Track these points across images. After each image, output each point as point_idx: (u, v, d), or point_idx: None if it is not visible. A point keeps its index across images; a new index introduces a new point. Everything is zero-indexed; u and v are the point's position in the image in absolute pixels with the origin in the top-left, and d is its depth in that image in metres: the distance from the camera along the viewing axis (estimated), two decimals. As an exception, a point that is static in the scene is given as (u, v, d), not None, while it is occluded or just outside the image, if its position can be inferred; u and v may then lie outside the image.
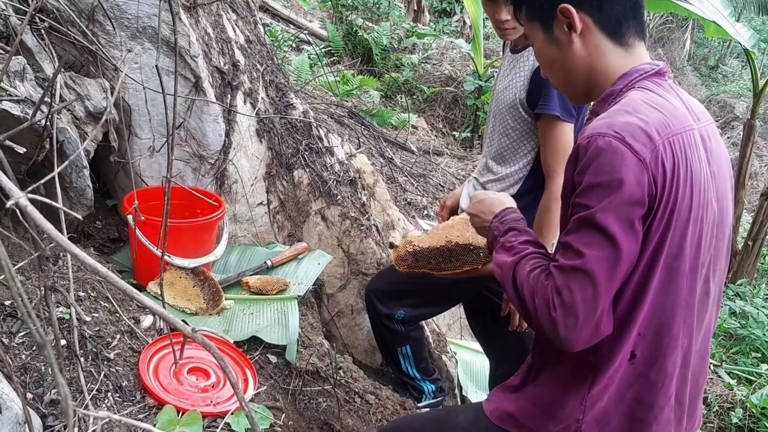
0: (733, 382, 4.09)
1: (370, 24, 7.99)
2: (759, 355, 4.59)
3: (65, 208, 0.72)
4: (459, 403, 3.13)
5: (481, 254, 1.70)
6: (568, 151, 2.15)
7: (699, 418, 1.50)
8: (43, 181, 0.95)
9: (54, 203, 0.74)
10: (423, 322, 2.85)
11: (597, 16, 1.36)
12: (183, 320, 2.37)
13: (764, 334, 4.69)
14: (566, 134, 2.19)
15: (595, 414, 1.34)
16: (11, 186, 0.70)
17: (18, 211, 0.70)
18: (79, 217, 0.86)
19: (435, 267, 1.73)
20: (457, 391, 3.16)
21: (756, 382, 4.09)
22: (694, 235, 1.27)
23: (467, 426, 1.54)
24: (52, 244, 1.80)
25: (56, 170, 1.00)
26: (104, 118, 1.94)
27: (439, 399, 2.88)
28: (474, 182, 2.51)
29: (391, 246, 1.86)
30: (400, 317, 2.60)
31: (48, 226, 0.68)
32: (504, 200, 1.58)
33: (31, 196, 0.71)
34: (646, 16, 1.45)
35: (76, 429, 1.56)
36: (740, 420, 3.70)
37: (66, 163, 1.37)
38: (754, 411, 3.71)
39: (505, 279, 1.38)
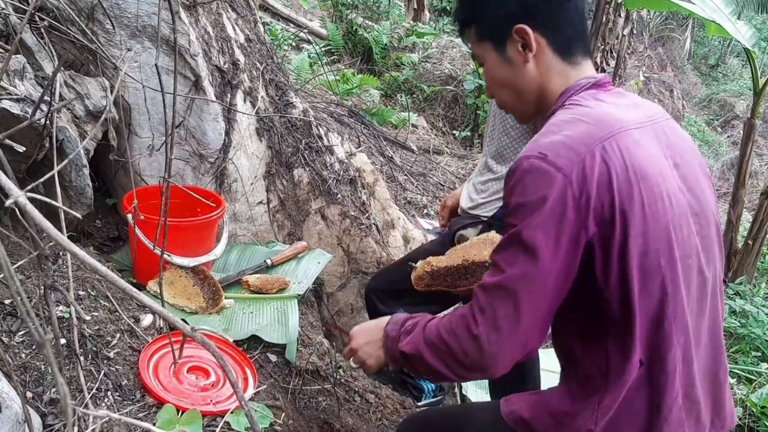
0: (733, 381, 4.09)
1: (370, 23, 7.99)
2: (759, 354, 4.59)
3: (65, 207, 0.72)
4: (459, 401, 3.13)
5: None
6: None
7: (731, 416, 1.47)
8: (42, 179, 0.95)
9: (53, 202, 0.74)
10: None
11: (551, 37, 1.41)
12: (183, 319, 2.37)
13: (764, 333, 4.69)
14: None
15: (606, 423, 1.34)
16: (10, 185, 0.70)
17: (17, 210, 0.70)
18: (79, 215, 0.86)
19: (451, 284, 1.77)
20: (456, 389, 3.16)
21: (756, 381, 4.08)
22: (659, 229, 1.27)
23: (484, 426, 1.55)
24: (51, 243, 1.80)
25: (56, 168, 1.00)
26: (104, 116, 1.94)
27: (439, 398, 2.88)
28: (474, 181, 2.51)
29: (411, 267, 1.91)
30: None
31: (47, 224, 0.68)
32: (379, 321, 1.66)
33: (30, 194, 0.71)
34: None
35: (75, 428, 1.56)
36: (740, 419, 3.69)
37: (66, 161, 1.37)
38: (754, 410, 3.70)
39: (422, 351, 1.42)
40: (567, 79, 1.42)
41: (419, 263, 1.83)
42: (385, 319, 1.62)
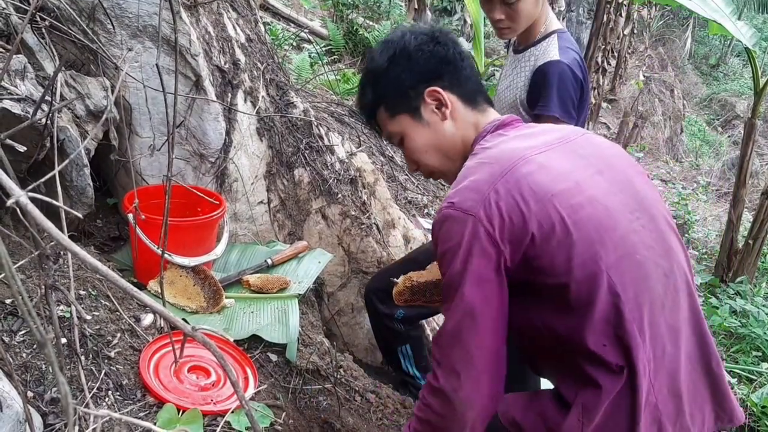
0: (733, 380, 4.09)
1: (371, 23, 7.98)
2: (759, 353, 4.59)
3: (66, 207, 0.72)
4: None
5: None
6: None
7: (738, 409, 1.47)
8: (43, 179, 0.95)
9: (54, 201, 0.74)
10: (423, 321, 2.84)
11: (459, 92, 1.56)
12: (183, 319, 2.38)
13: (765, 333, 4.69)
14: None
15: (593, 429, 1.34)
16: (11, 184, 0.70)
17: (18, 210, 0.70)
18: (80, 215, 0.87)
19: (428, 300, 1.81)
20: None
21: (756, 381, 4.08)
22: (589, 235, 1.30)
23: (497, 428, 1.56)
24: (52, 243, 1.81)
25: (57, 168, 1.00)
26: (105, 116, 1.94)
27: None
28: None
29: (392, 283, 1.93)
30: (400, 316, 2.61)
31: (48, 224, 0.68)
32: None
33: (31, 194, 0.71)
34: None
35: (76, 428, 1.56)
36: (740, 419, 3.69)
37: (67, 161, 1.37)
38: (755, 410, 3.71)
39: None
40: (478, 127, 1.55)
41: (401, 278, 1.85)
42: None
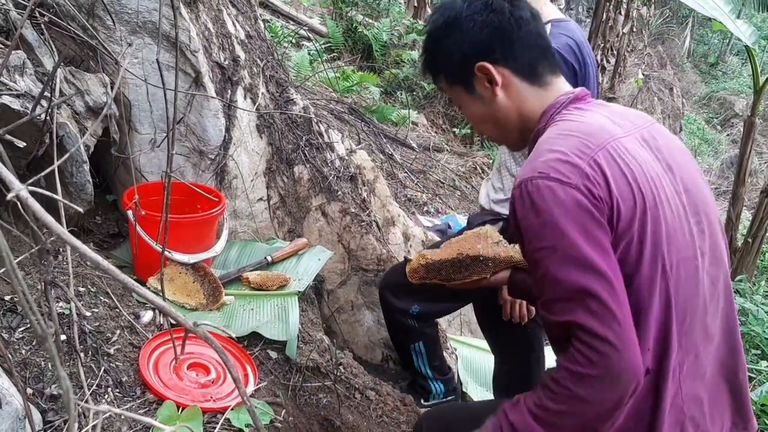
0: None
1: (370, 20, 7.97)
2: (759, 352, 4.59)
3: (65, 201, 0.72)
4: (458, 399, 3.13)
5: (490, 264, 1.71)
6: None
7: (752, 419, 1.46)
8: (43, 173, 0.95)
9: (53, 195, 0.74)
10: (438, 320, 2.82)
11: (512, 66, 1.45)
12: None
13: (764, 331, 4.69)
14: None
15: (615, 430, 1.32)
16: (12, 178, 0.69)
17: (19, 204, 0.69)
18: (80, 209, 0.86)
19: (445, 278, 1.77)
20: (458, 386, 3.16)
21: (756, 379, 4.09)
22: (659, 233, 1.26)
23: None
24: (52, 238, 1.80)
25: (56, 163, 1.00)
26: (104, 112, 1.94)
27: (449, 399, 2.87)
28: (492, 180, 2.51)
29: (406, 260, 1.91)
30: (414, 312, 2.59)
31: (49, 218, 0.67)
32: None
33: (31, 188, 0.71)
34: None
35: (76, 424, 1.55)
36: (740, 417, 3.70)
37: (66, 156, 1.37)
38: (754, 408, 3.71)
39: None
40: (542, 100, 1.46)
41: (414, 255, 1.83)
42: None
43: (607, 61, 8.73)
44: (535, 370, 2.62)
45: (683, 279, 1.30)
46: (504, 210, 2.42)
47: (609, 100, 11.04)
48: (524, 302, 2.32)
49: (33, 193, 0.70)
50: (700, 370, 1.36)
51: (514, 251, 1.68)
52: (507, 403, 1.35)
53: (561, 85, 1.48)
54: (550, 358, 2.64)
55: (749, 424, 1.45)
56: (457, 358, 3.23)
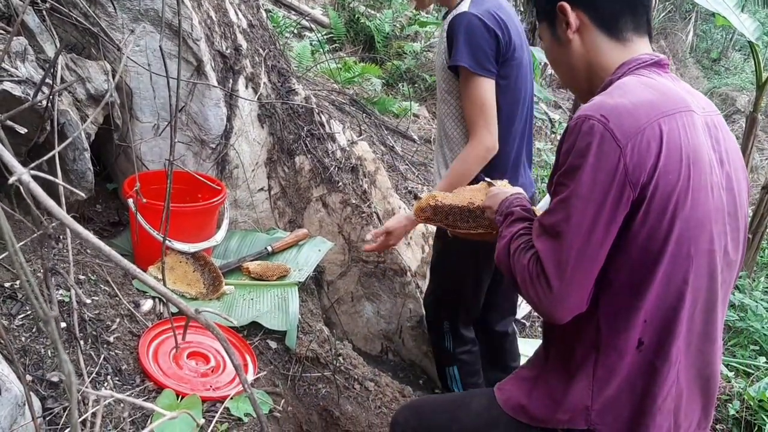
0: (731, 374, 4.09)
1: (373, 11, 7.94)
2: (757, 347, 4.60)
3: (67, 185, 0.71)
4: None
5: None
6: (485, 104, 2.16)
7: (711, 420, 1.48)
8: (44, 158, 0.94)
9: (55, 179, 0.73)
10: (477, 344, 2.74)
11: (592, 13, 1.41)
12: (183, 305, 2.37)
13: (763, 327, 4.70)
14: (480, 87, 2.15)
15: (605, 402, 1.34)
16: (14, 162, 0.69)
17: (21, 188, 0.69)
18: (81, 194, 0.85)
19: (451, 224, 1.75)
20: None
21: (754, 375, 4.09)
22: (697, 217, 1.26)
23: (480, 411, 1.56)
24: (54, 223, 1.79)
25: (58, 148, 0.99)
26: (105, 99, 1.93)
27: None
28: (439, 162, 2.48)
29: (416, 197, 1.89)
30: (446, 329, 2.59)
31: (51, 202, 0.67)
32: (507, 192, 1.63)
33: (33, 172, 0.70)
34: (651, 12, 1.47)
35: (77, 408, 1.55)
36: (737, 412, 3.70)
37: (68, 140, 1.36)
38: (752, 403, 3.71)
39: (502, 266, 1.43)
40: (619, 55, 1.41)
41: (424, 194, 1.81)
42: (503, 194, 1.62)
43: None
44: (501, 352, 2.65)
45: (703, 270, 1.30)
46: None
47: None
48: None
49: (35, 178, 0.70)
50: (691, 364, 1.37)
51: None
52: (518, 223, 1.46)
53: (643, 47, 1.43)
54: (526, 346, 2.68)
55: (709, 425, 1.47)
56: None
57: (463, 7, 2.16)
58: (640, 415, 1.33)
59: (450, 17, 2.19)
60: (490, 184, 1.79)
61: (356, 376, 2.60)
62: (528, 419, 1.44)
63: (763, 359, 4.30)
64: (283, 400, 2.23)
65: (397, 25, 7.92)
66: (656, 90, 1.30)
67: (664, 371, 1.31)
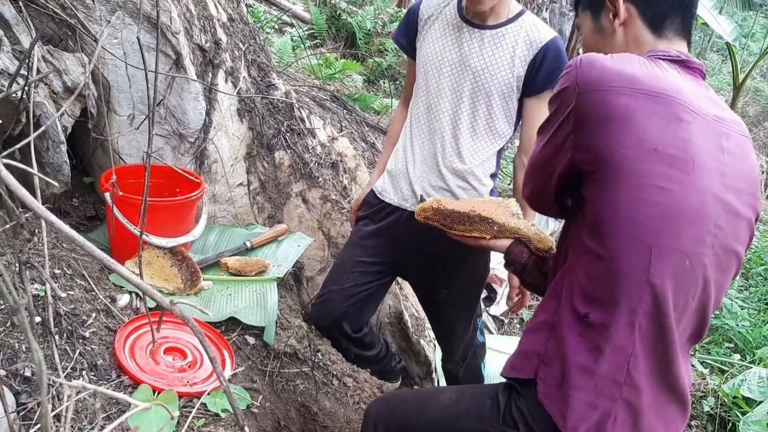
0: (705, 371, 4.15)
1: (354, 8, 7.93)
2: (732, 345, 4.66)
3: (41, 176, 0.70)
4: (437, 386, 3.14)
5: (495, 228, 1.71)
6: None
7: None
8: (18, 146, 0.93)
9: (29, 169, 0.72)
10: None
11: (642, 8, 1.42)
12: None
13: (737, 325, 4.76)
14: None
15: (551, 355, 1.38)
16: (-15, 150, 0.68)
17: (-8, 176, 0.68)
18: (56, 184, 0.84)
19: (448, 225, 1.77)
20: (434, 375, 3.17)
21: (728, 372, 4.15)
22: (662, 207, 1.23)
23: (448, 404, 1.57)
24: (28, 214, 1.77)
25: (31, 136, 0.97)
26: (78, 90, 1.90)
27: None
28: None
29: (421, 199, 1.92)
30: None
31: (24, 192, 0.66)
32: None
33: (6, 161, 0.69)
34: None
35: (50, 405, 1.53)
36: (712, 408, 3.76)
37: (41, 129, 1.34)
38: (726, 400, 3.77)
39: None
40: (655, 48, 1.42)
41: (431, 198, 1.83)
42: None
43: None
44: (473, 360, 2.64)
45: (667, 269, 1.27)
46: None
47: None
48: (527, 295, 2.30)
49: (8, 167, 0.69)
50: (659, 368, 1.35)
51: (524, 226, 1.68)
52: None
53: (681, 48, 1.44)
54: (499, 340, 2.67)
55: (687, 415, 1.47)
56: (435, 347, 3.24)
57: (550, 30, 2.16)
58: (564, 380, 1.34)
59: (540, 39, 2.13)
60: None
61: (335, 372, 2.59)
62: (506, 371, 1.49)
63: (737, 357, 4.36)
64: (261, 396, 2.22)
65: (379, 21, 7.91)
66: (650, 73, 1.27)
67: (608, 351, 1.30)
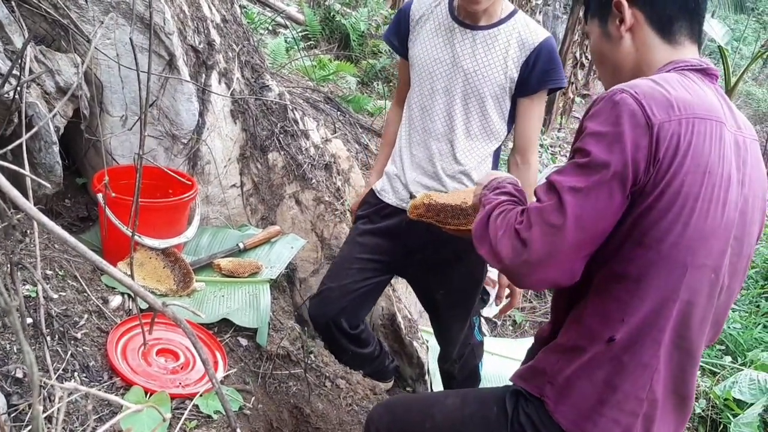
0: (697, 373, 4.16)
1: (348, 9, 7.93)
2: (723, 347, 4.67)
3: (33, 176, 0.70)
4: (429, 388, 3.14)
5: None
6: None
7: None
8: (9, 147, 0.92)
9: (20, 170, 0.72)
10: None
11: (648, 12, 1.40)
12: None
13: (728, 327, 4.77)
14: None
15: (564, 380, 1.37)
16: (-23, 150, 0.68)
17: (-17, 177, 0.68)
18: (48, 185, 0.84)
19: (442, 220, 1.77)
20: (427, 377, 3.17)
21: (719, 374, 4.16)
22: (701, 228, 1.24)
23: (453, 410, 1.57)
24: (19, 215, 1.76)
25: (24, 137, 0.97)
26: (71, 90, 1.90)
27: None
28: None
29: (411, 197, 1.91)
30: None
31: (15, 192, 0.66)
32: (503, 175, 1.61)
33: (-3, 161, 0.69)
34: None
35: (41, 406, 1.53)
36: (703, 410, 3.77)
37: (34, 130, 1.33)
38: (717, 402, 3.78)
39: (477, 231, 1.40)
40: (668, 56, 1.40)
41: (421, 193, 1.83)
42: (493, 174, 1.60)
43: (586, 58, 8.78)
44: (470, 358, 2.65)
45: (698, 285, 1.29)
46: None
47: (583, 97, 11.13)
48: (517, 296, 2.31)
49: (-1, 167, 0.69)
50: (674, 381, 1.37)
51: None
52: (499, 192, 1.47)
53: (693, 52, 1.43)
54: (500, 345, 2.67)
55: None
56: (428, 349, 3.24)
57: (543, 30, 2.18)
58: (599, 403, 1.34)
59: (532, 39, 2.14)
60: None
61: (327, 374, 2.59)
62: (515, 379, 1.49)
63: (728, 359, 4.37)
64: (253, 398, 2.21)
65: (373, 23, 7.91)
66: (694, 93, 1.28)
67: (633, 369, 1.31)
